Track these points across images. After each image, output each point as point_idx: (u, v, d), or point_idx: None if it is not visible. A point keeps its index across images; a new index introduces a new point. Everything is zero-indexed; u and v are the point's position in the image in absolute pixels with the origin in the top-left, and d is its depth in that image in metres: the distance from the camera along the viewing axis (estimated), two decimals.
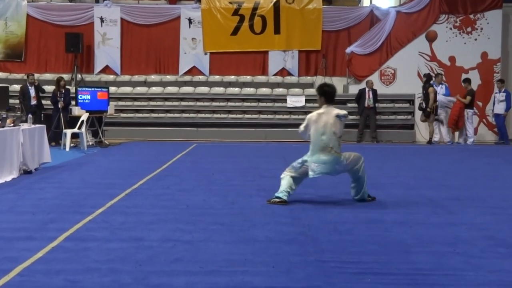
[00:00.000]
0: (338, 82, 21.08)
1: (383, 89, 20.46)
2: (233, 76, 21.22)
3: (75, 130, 15.76)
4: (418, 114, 20.12)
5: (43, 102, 17.82)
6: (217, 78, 21.18)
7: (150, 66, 21.35)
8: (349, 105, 19.80)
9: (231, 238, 5.98)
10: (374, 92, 19.58)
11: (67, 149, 15.36)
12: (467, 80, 19.53)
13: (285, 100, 20.40)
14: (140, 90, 20.79)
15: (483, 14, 20.51)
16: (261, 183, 9.86)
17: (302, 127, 8.12)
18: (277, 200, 7.90)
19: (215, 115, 20.46)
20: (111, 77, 21.14)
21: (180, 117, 20.38)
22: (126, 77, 21.17)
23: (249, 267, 4.98)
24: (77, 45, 20.12)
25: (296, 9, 20.95)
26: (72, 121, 16.31)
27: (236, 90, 20.81)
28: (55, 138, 16.49)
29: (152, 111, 20.48)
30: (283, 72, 21.17)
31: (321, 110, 8.01)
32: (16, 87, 19.64)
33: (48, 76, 20.30)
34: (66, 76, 19.18)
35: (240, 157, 14.51)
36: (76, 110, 16.52)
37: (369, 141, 19.64)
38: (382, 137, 19.93)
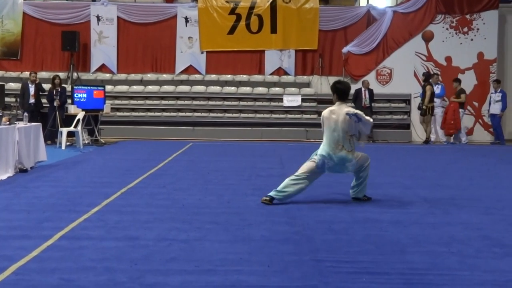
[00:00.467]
0: None
1: (380, 88, 20.48)
2: (229, 75, 21.22)
3: (71, 128, 15.73)
4: (414, 114, 20.18)
5: (41, 100, 17.77)
6: (213, 77, 21.19)
7: (146, 64, 21.34)
8: None
9: (226, 237, 5.98)
10: (370, 92, 19.60)
11: (63, 147, 15.34)
12: (458, 80, 19.56)
13: (281, 100, 20.41)
14: (137, 88, 20.78)
15: (480, 15, 20.55)
16: (257, 183, 9.86)
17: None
18: (266, 198, 7.91)
19: (211, 114, 20.46)
20: (107, 76, 21.12)
21: (176, 116, 20.37)
22: (123, 76, 21.16)
23: (244, 266, 4.98)
24: (73, 43, 20.10)
25: (292, 8, 20.96)
26: (68, 120, 16.28)
27: (232, 89, 20.81)
28: (51, 137, 16.45)
29: (148, 109, 20.47)
30: (279, 71, 21.19)
31: (333, 107, 8.07)
32: (12, 85, 19.65)
33: (44, 74, 20.25)
34: (62, 75, 19.18)
35: (236, 156, 14.51)
36: (72, 109, 16.49)
37: (365, 141, 19.63)
38: (378, 137, 19.95)
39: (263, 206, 7.73)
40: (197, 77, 21.19)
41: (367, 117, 8.06)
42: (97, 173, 10.82)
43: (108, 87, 19.64)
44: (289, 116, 20.31)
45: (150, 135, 19.66)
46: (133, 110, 20.42)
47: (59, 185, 9.24)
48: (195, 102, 20.57)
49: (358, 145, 8.10)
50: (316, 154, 8.00)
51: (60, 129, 15.77)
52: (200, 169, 11.62)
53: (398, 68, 20.66)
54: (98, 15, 21.08)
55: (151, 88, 20.82)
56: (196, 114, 20.43)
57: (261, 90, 20.76)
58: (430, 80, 19.40)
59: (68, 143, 15.94)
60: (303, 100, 20.28)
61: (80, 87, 17.54)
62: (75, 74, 20.37)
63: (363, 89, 19.57)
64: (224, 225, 6.55)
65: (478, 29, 20.56)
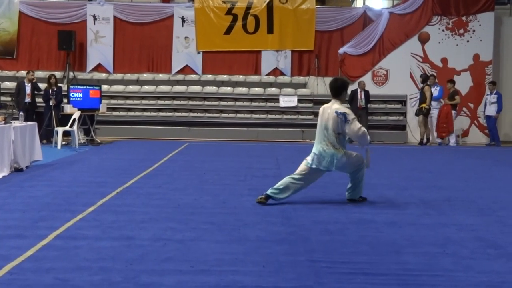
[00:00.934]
0: None
1: (376, 89, 20.51)
2: (225, 76, 21.22)
3: (67, 128, 15.71)
4: (410, 115, 20.21)
5: (36, 100, 17.74)
6: (209, 77, 21.18)
7: (142, 64, 21.33)
8: None
9: (222, 238, 5.98)
10: (366, 93, 19.61)
11: (59, 147, 15.32)
12: (452, 81, 19.57)
13: (277, 100, 20.41)
14: (133, 88, 20.76)
15: (476, 16, 20.59)
16: (253, 183, 9.86)
17: None
18: (262, 197, 7.91)
19: (208, 114, 20.45)
20: (103, 75, 21.10)
21: (172, 116, 20.35)
22: (119, 76, 21.14)
23: (239, 267, 4.98)
24: (69, 43, 20.07)
25: (289, 9, 20.97)
26: (64, 119, 16.26)
27: (228, 89, 20.81)
28: (46, 136, 16.44)
29: (144, 109, 20.45)
30: (275, 72, 21.20)
31: (328, 104, 8.09)
32: (8, 85, 19.63)
33: (40, 73, 20.20)
34: (58, 74, 19.14)
35: (232, 156, 14.51)
36: (68, 108, 16.48)
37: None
38: (374, 138, 19.93)
39: (259, 206, 7.73)
40: (193, 77, 21.18)
41: (358, 125, 7.84)
42: (93, 173, 10.80)
43: (104, 87, 19.63)
44: (285, 116, 20.32)
45: (146, 135, 19.64)
46: (129, 110, 20.40)
47: (55, 185, 9.22)
48: (191, 102, 20.56)
49: (347, 143, 8.09)
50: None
51: (56, 128, 15.75)
52: (196, 169, 11.62)
53: (394, 69, 20.69)
54: (94, 14, 21.05)
55: (147, 88, 20.80)
56: (192, 114, 20.41)
57: (257, 90, 20.76)
58: (428, 82, 19.42)
59: (63, 143, 15.91)
60: (299, 101, 20.29)
61: (76, 86, 17.52)
62: (71, 74, 20.34)
63: (359, 90, 19.58)
64: (219, 225, 6.55)
65: (474, 30, 20.61)
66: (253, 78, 21.18)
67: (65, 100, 17.36)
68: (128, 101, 20.50)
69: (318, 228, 6.51)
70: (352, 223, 6.80)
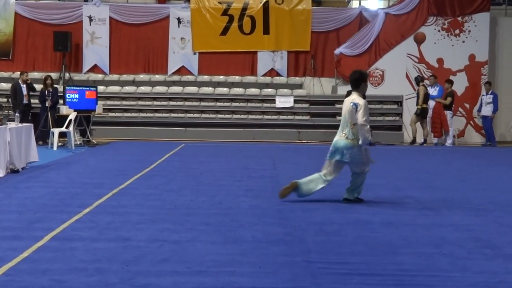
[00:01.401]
0: (327, 83, 21.20)
1: (372, 90, 20.45)
2: (222, 76, 21.22)
3: (63, 129, 15.68)
4: (406, 115, 20.22)
5: (32, 101, 17.70)
6: (206, 78, 21.17)
7: (138, 65, 21.30)
8: (337, 106, 19.82)
9: (218, 238, 5.97)
10: None
11: (55, 148, 15.29)
12: (449, 82, 19.57)
13: (273, 101, 20.40)
14: (129, 89, 20.74)
15: (471, 17, 20.62)
16: (249, 184, 9.86)
17: None
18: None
19: (204, 115, 20.43)
20: (99, 76, 21.08)
21: (169, 116, 20.33)
22: (115, 76, 21.11)
23: (236, 268, 4.97)
24: (65, 43, 20.03)
25: (285, 9, 20.97)
26: (60, 120, 16.22)
27: (224, 90, 20.80)
28: (42, 137, 16.39)
29: (141, 110, 20.42)
30: (272, 72, 21.19)
31: (349, 97, 8.30)
32: (4, 86, 19.60)
33: (36, 74, 20.16)
34: (54, 75, 19.10)
35: (228, 157, 14.50)
36: (64, 109, 16.43)
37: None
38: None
39: (255, 207, 7.73)
40: (189, 78, 21.17)
41: (364, 116, 7.90)
42: (89, 174, 10.79)
43: (100, 88, 19.59)
44: (281, 117, 20.31)
45: (142, 136, 19.61)
46: (125, 111, 20.36)
47: (51, 186, 9.21)
48: (187, 103, 20.54)
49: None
50: None
51: (52, 129, 15.72)
52: (192, 170, 11.61)
53: (390, 69, 20.70)
54: (90, 15, 21.02)
55: (143, 89, 20.78)
56: (188, 115, 20.39)
57: (253, 91, 20.75)
58: (427, 82, 19.44)
59: (59, 144, 15.88)
60: (295, 102, 20.28)
61: (72, 87, 17.48)
62: (67, 75, 20.30)
63: None
64: (216, 226, 6.54)
65: (469, 31, 20.64)
66: (249, 78, 21.18)
67: (61, 101, 17.32)
68: (124, 102, 20.47)
69: (314, 229, 6.51)
70: (349, 224, 6.80)
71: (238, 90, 20.77)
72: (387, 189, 9.51)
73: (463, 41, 20.66)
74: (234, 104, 20.59)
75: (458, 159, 15.25)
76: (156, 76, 21.20)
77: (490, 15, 20.77)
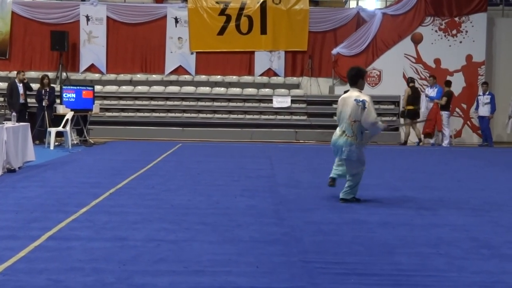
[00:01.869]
0: (324, 83, 21.21)
1: (369, 90, 20.45)
2: (219, 76, 21.21)
3: (60, 128, 15.66)
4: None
5: (28, 100, 17.68)
6: (203, 77, 21.17)
7: (136, 65, 21.29)
8: (335, 106, 19.76)
9: (215, 238, 5.98)
10: None
11: (52, 147, 15.27)
12: (447, 83, 19.57)
13: (271, 101, 20.40)
14: (126, 89, 20.71)
15: (468, 17, 20.65)
16: (246, 183, 9.86)
17: None
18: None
19: (201, 115, 20.41)
20: (96, 76, 21.05)
21: (166, 116, 20.31)
22: (112, 76, 21.09)
23: (233, 267, 4.98)
24: (62, 43, 20.01)
25: (282, 9, 20.98)
26: (57, 120, 16.20)
27: (222, 90, 20.79)
28: (39, 137, 16.37)
29: (138, 110, 20.39)
30: (269, 72, 21.20)
31: (347, 93, 8.26)
32: (0, 85, 19.53)
33: (33, 74, 20.13)
34: (51, 74, 19.09)
35: (225, 157, 14.50)
36: (61, 109, 16.41)
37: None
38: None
39: (252, 207, 7.73)
40: (186, 77, 21.16)
41: (374, 113, 7.92)
42: (86, 174, 10.78)
43: (97, 87, 19.57)
44: (278, 117, 20.31)
45: (139, 135, 19.59)
46: (122, 110, 20.34)
47: (47, 185, 9.20)
48: (184, 103, 20.52)
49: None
50: None
51: (49, 129, 15.69)
52: (189, 170, 11.61)
53: (388, 70, 20.73)
54: (87, 15, 20.99)
55: (140, 88, 20.76)
56: (185, 114, 20.37)
57: (250, 91, 20.75)
58: (428, 82, 19.53)
59: (56, 143, 15.86)
60: (292, 101, 20.27)
61: (69, 87, 17.45)
62: (64, 74, 20.28)
63: None
64: (213, 226, 6.54)
65: (467, 31, 20.66)
66: (247, 78, 21.18)
67: (58, 101, 17.29)
68: (121, 102, 20.45)
69: (311, 229, 6.51)
70: (346, 224, 6.81)
71: (236, 90, 20.77)
72: (384, 189, 9.52)
73: (460, 42, 20.69)
74: (231, 104, 20.58)
75: (455, 160, 15.26)
76: (153, 75, 21.19)
77: (487, 15, 20.80)
